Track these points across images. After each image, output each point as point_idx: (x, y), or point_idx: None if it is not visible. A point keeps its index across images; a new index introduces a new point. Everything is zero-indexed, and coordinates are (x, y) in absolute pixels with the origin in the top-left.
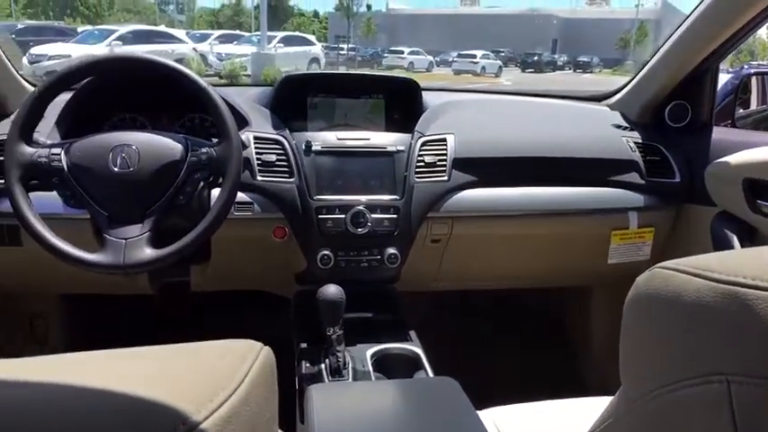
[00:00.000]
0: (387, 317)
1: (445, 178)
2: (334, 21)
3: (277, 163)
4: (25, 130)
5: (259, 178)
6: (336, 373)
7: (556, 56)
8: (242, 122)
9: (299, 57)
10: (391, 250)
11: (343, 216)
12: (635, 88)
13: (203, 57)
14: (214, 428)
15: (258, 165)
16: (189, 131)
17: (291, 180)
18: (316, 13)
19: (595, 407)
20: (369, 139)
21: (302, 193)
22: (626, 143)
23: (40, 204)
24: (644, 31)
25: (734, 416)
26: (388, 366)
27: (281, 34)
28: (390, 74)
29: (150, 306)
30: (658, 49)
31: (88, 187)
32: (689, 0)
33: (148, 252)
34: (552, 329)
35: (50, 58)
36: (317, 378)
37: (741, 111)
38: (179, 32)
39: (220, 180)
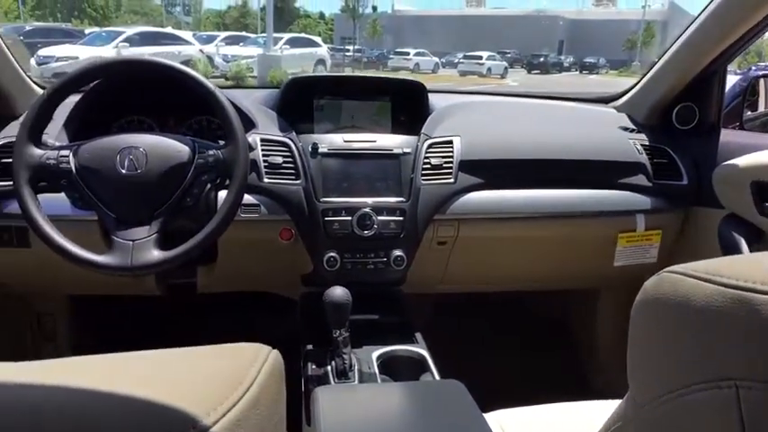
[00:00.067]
0: (393, 319)
1: (451, 180)
2: (340, 22)
3: (284, 165)
4: (34, 133)
5: (266, 180)
6: (342, 375)
7: (562, 57)
8: (249, 125)
9: (304, 58)
10: (397, 252)
11: (349, 218)
12: (642, 90)
13: (210, 58)
14: None
15: (265, 167)
16: (196, 134)
17: (298, 182)
18: (321, 15)
19: (601, 410)
20: (375, 142)
21: (309, 196)
22: (633, 145)
23: (48, 206)
24: (651, 32)
25: (742, 421)
26: (394, 368)
27: (287, 36)
28: (396, 76)
29: (157, 307)
30: (666, 51)
31: (96, 189)
32: (696, 1)
33: (156, 254)
34: (558, 332)
35: (58, 59)
36: (323, 380)
37: (749, 113)
38: (186, 34)
39: (227, 182)
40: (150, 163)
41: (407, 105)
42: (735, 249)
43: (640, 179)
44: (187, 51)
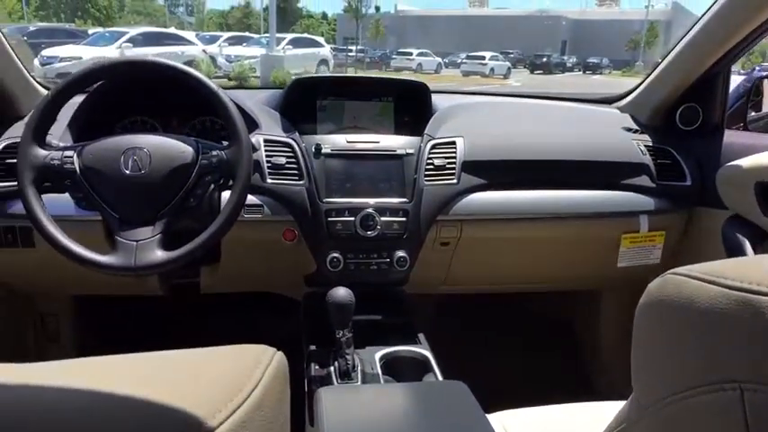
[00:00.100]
0: (396, 319)
1: (454, 181)
2: (343, 22)
3: (287, 166)
4: (38, 133)
5: (269, 181)
6: (345, 375)
7: (565, 57)
8: (252, 125)
9: (307, 58)
10: (400, 253)
11: (352, 219)
12: (645, 91)
13: (212, 58)
14: None
15: (268, 167)
16: (199, 134)
17: (301, 183)
18: (324, 15)
19: (604, 411)
20: (378, 142)
21: (312, 196)
22: (636, 146)
23: (52, 206)
24: (654, 32)
25: (747, 423)
26: (397, 369)
27: (289, 36)
28: (399, 76)
29: (160, 307)
30: (669, 52)
31: (100, 190)
32: (699, 1)
33: (159, 254)
34: (561, 333)
35: (62, 59)
36: (326, 381)
37: (753, 113)
38: (189, 34)
39: (231, 183)
40: (154, 164)
41: (410, 106)
42: (739, 250)
43: (644, 180)
44: (190, 52)
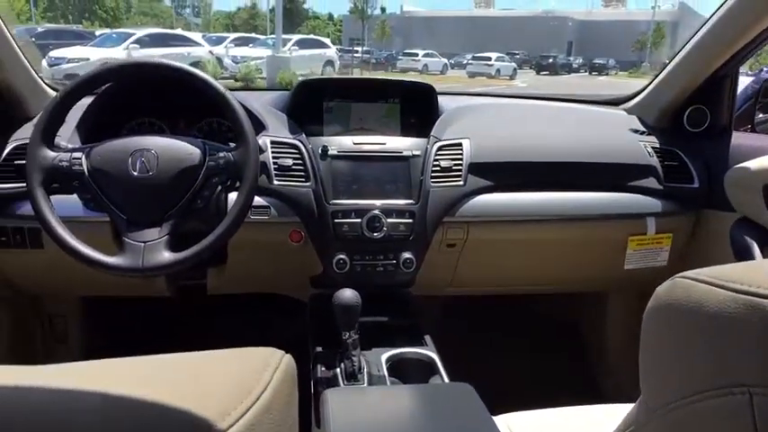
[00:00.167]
0: (402, 321)
1: (461, 183)
2: (349, 23)
3: (293, 167)
4: (47, 135)
5: (276, 182)
6: (352, 377)
7: (571, 58)
8: (259, 127)
9: (313, 59)
10: (407, 255)
11: (358, 220)
12: (653, 92)
13: (219, 59)
14: None
15: (275, 169)
16: (206, 135)
17: (308, 184)
18: (330, 16)
19: (611, 414)
20: (384, 144)
21: (318, 198)
22: (643, 148)
23: (60, 207)
24: (661, 32)
25: (756, 427)
26: (404, 371)
27: (295, 37)
28: (406, 78)
29: (167, 308)
30: (677, 53)
31: (108, 191)
32: (707, 2)
33: (167, 255)
34: (567, 335)
35: (69, 60)
36: (332, 382)
37: (761, 115)
38: (195, 35)
39: (238, 184)
40: (161, 165)
41: (417, 108)
42: (747, 253)
43: (651, 182)
44: (196, 53)
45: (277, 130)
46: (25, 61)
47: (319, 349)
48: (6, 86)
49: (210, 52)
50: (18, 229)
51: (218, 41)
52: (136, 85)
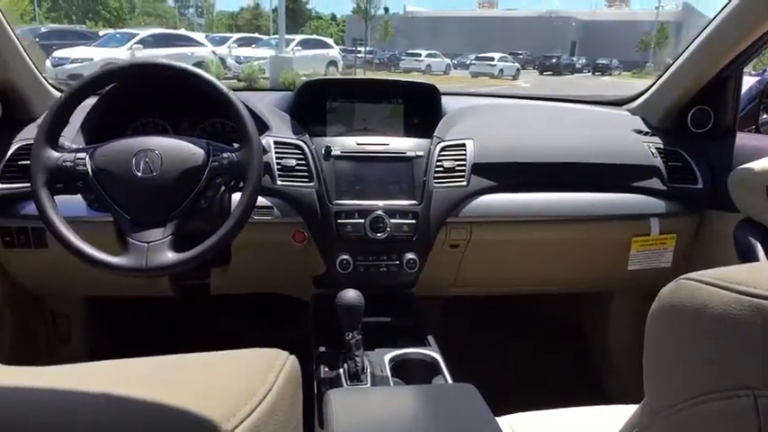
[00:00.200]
0: (405, 322)
1: (464, 183)
2: (352, 24)
3: (297, 167)
4: (51, 135)
5: (279, 183)
6: (355, 377)
7: (574, 58)
8: (262, 127)
9: (316, 59)
10: (410, 255)
11: (362, 221)
12: (656, 93)
13: (222, 60)
14: None
15: (278, 169)
16: (210, 136)
17: (311, 185)
18: (333, 17)
19: (614, 415)
20: (388, 144)
21: (322, 198)
22: (647, 148)
23: (64, 207)
24: (664, 33)
25: (760, 430)
26: (407, 371)
27: (299, 37)
28: (409, 78)
29: (171, 308)
30: (681, 54)
31: (112, 191)
32: (710, 2)
33: (170, 255)
34: (570, 335)
35: (73, 61)
36: (335, 383)
37: (765, 116)
38: (198, 36)
39: (241, 184)
40: (165, 165)
41: (420, 108)
42: (750, 254)
43: (655, 183)
44: (200, 53)
45: (280, 130)
46: (29, 62)
47: (322, 349)
48: (11, 87)
49: (213, 52)
50: (22, 228)
51: (222, 42)
52: (140, 85)
